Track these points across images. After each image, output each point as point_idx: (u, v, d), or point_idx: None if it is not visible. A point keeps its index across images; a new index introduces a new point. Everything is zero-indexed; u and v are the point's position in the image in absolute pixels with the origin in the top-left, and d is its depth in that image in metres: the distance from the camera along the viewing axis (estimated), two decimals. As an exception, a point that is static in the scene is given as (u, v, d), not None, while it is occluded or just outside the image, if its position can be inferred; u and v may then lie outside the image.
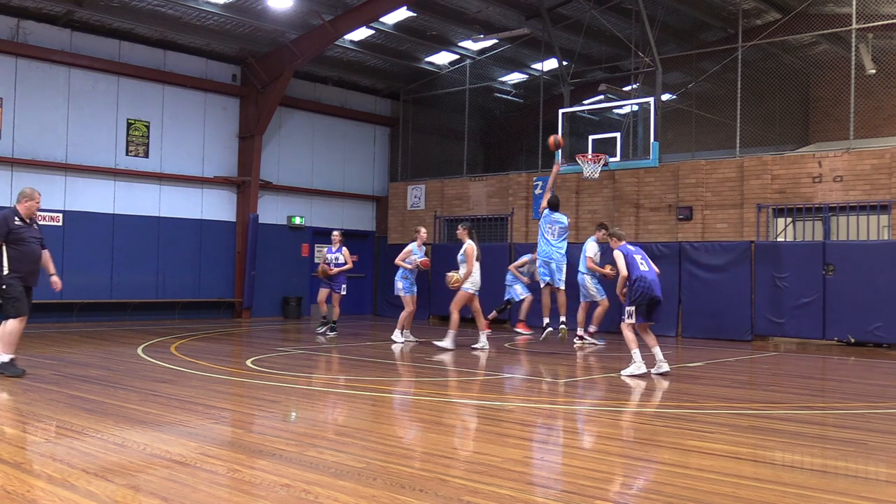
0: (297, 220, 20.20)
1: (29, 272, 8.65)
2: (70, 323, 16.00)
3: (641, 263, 9.78)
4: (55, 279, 8.93)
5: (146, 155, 17.61)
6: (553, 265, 12.63)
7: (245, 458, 5.21)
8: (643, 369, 9.69)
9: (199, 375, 9.06)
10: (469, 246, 12.42)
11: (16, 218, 8.59)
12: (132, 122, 17.41)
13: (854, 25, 14.76)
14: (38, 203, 8.83)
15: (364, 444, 5.76)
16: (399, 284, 13.86)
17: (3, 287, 8.44)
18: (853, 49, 14.96)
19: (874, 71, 16.62)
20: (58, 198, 16.32)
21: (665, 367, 9.82)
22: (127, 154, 17.32)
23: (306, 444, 5.72)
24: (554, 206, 12.90)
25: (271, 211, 19.76)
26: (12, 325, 8.52)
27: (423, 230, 14.18)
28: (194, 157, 18.44)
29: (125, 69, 17.14)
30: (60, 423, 6.18)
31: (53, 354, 10.84)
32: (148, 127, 17.66)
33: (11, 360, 8.58)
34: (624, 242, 10.05)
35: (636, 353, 9.73)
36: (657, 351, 9.79)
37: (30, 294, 8.76)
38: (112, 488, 4.40)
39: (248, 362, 10.37)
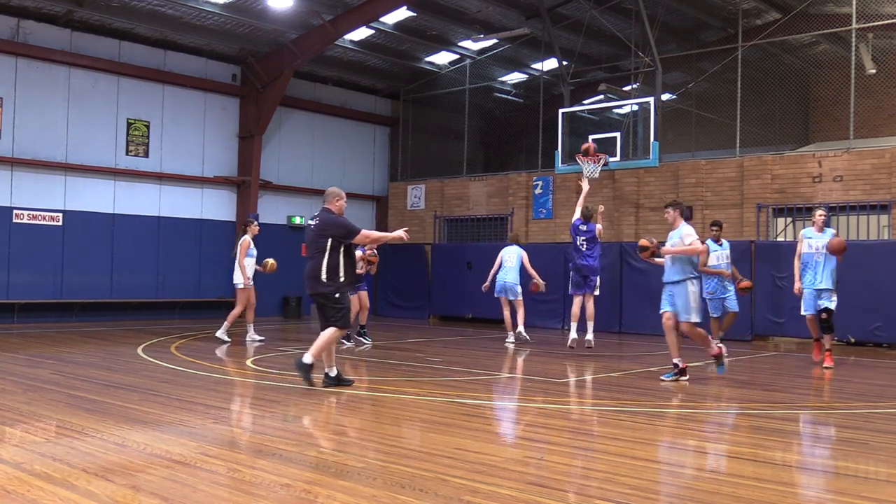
0: (297, 220, 20.20)
1: (357, 278, 8.15)
2: (70, 323, 15.99)
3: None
4: None
5: (146, 155, 17.61)
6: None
7: (245, 458, 5.21)
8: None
9: (199, 375, 9.06)
10: None
11: None
12: (132, 121, 17.41)
13: (854, 25, 14.76)
14: (345, 202, 8.22)
15: (364, 444, 5.76)
16: (520, 289, 13.58)
17: (338, 296, 7.83)
18: (853, 49, 14.96)
19: (874, 71, 16.62)
20: (58, 198, 16.32)
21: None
22: (127, 154, 17.32)
23: (306, 444, 5.73)
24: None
25: (271, 211, 19.75)
26: (331, 333, 7.92)
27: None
28: (194, 157, 18.43)
29: (125, 69, 17.14)
30: (60, 423, 6.18)
31: (53, 354, 10.84)
32: (148, 127, 17.66)
33: (311, 365, 7.97)
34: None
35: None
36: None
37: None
38: (112, 488, 4.40)
39: (248, 362, 10.37)
